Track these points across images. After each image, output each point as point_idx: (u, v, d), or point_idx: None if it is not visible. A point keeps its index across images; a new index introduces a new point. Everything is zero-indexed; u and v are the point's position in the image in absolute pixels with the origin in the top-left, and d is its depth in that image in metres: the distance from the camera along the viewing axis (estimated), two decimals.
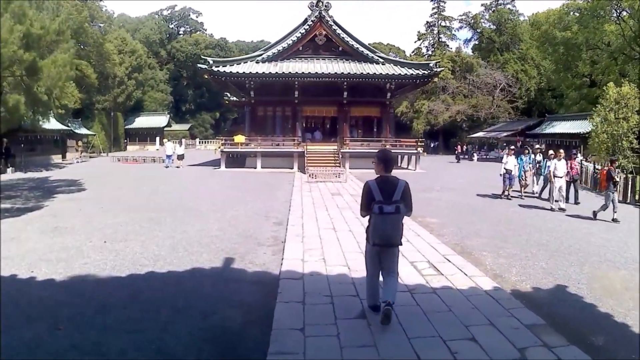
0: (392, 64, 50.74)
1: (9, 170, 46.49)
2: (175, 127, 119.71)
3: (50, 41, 26.71)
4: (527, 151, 30.77)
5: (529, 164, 29.39)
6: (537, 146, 32.80)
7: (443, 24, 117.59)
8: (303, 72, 46.24)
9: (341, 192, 29.82)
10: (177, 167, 52.11)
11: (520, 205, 25.89)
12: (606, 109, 40.70)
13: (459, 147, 78.53)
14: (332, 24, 50.65)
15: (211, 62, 46.74)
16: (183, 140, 67.13)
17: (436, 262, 13.08)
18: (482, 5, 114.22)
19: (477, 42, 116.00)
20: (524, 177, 28.85)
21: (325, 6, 50.51)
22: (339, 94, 49.25)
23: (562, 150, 26.15)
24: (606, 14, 65.96)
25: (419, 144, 50.99)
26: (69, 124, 72.14)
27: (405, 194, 8.63)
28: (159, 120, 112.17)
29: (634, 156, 39.59)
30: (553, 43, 77.02)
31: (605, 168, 23.76)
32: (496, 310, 9.55)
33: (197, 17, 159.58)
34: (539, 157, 31.06)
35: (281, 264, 12.80)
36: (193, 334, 8.44)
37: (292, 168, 47.17)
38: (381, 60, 51.04)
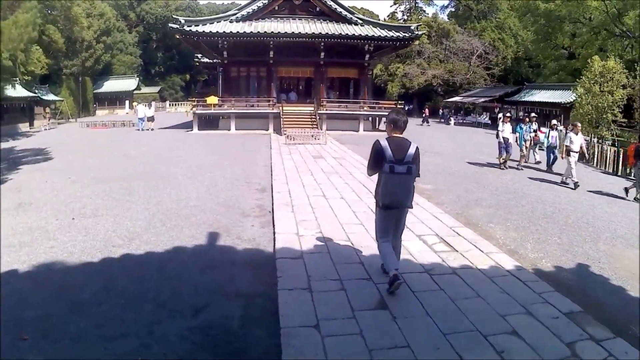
0: (371, 26, 48.84)
1: None
2: (145, 90, 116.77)
3: (11, 1, 24.98)
4: (527, 120, 29.21)
5: (529, 133, 28.02)
6: (534, 114, 31.29)
7: None
8: (279, 32, 44.51)
9: (323, 155, 28.45)
10: (149, 129, 50.40)
11: (515, 174, 24.87)
12: (590, 81, 40.60)
13: (426, 110, 77.78)
14: None
15: (183, 21, 44.69)
16: (153, 102, 64.98)
17: (445, 236, 12.07)
18: None
19: (453, 10, 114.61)
20: (524, 147, 27.57)
21: None
22: (315, 55, 47.65)
23: (578, 124, 24.89)
24: None
25: (398, 106, 48.68)
26: (36, 91, 70.41)
27: (416, 157, 8.47)
28: (128, 83, 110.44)
29: (617, 129, 40.14)
30: (535, 14, 76.21)
31: (634, 143, 22.43)
32: (528, 295, 8.64)
33: None
34: (534, 126, 29.66)
35: (274, 240, 11.53)
36: (185, 337, 7.03)
37: (267, 130, 45.46)
38: (360, 21, 49.10)
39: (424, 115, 74.35)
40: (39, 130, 59.72)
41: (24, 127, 62.95)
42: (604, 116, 38.75)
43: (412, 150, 8.38)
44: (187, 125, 51.11)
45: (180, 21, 44.40)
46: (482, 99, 79.88)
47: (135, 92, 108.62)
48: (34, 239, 12.10)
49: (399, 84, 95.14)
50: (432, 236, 12.03)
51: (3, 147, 38.41)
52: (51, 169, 24.77)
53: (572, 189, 21.05)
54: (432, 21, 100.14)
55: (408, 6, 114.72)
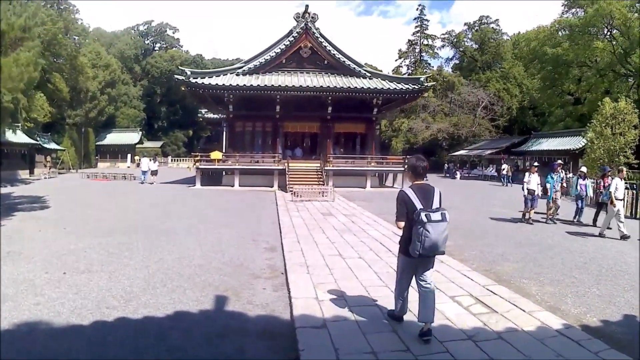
0: (379, 79, 48.37)
1: None
2: (148, 144, 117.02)
3: (14, 38, 23.80)
4: (558, 168, 27.57)
5: (559, 182, 26.56)
6: (559, 161, 29.98)
7: (425, 42, 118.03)
8: (286, 85, 43.59)
9: (332, 212, 26.94)
10: (151, 183, 50.55)
11: (534, 227, 23.67)
12: (601, 124, 40.63)
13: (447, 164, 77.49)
14: (319, 36, 48.16)
15: (189, 72, 43.96)
16: (156, 156, 64.65)
17: (480, 296, 11.17)
18: (465, 24, 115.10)
19: (458, 62, 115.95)
20: (554, 199, 25.76)
21: (312, 17, 48.07)
22: (323, 109, 46.84)
23: (623, 168, 23.59)
24: (598, 31, 67.02)
25: (405, 161, 47.49)
26: (38, 138, 69.92)
27: (441, 201, 8.30)
28: (131, 136, 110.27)
29: (629, 171, 38.67)
30: (542, 60, 77.02)
31: None
32: (585, 356, 7.94)
33: (173, 33, 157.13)
34: (562, 175, 28.20)
35: (291, 305, 10.20)
36: None
37: (272, 186, 44.49)
38: (368, 74, 48.60)
39: (447, 167, 73.71)
40: (39, 179, 58.81)
41: (23, 174, 62.08)
42: (616, 159, 38.29)
43: (437, 195, 8.26)
44: (190, 181, 50.47)
45: (186, 72, 43.65)
46: (489, 151, 79.72)
47: (137, 146, 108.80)
48: (18, 292, 10.97)
49: (404, 139, 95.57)
50: (466, 297, 11.11)
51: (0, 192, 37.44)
52: (46, 218, 23.69)
53: (605, 238, 20.32)
54: (437, 74, 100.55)
55: (413, 60, 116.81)
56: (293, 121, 48.60)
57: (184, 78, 43.16)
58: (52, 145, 77.64)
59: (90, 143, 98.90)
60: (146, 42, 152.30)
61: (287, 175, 42.85)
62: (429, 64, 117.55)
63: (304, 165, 45.94)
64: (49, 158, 70.65)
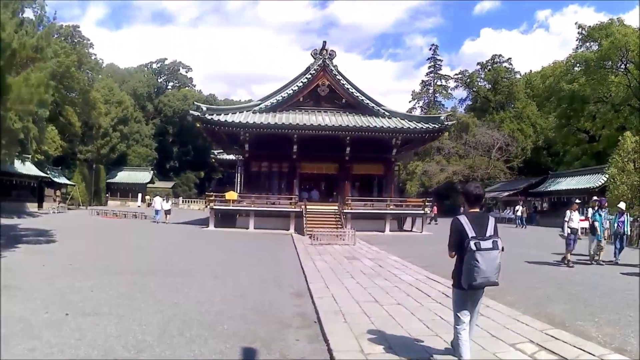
0: (398, 118, 47.01)
1: None
2: (159, 184, 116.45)
3: (25, 58, 22.50)
4: (603, 205, 25.71)
5: (607, 220, 24.98)
6: (595, 198, 28.66)
7: (439, 82, 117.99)
8: (304, 124, 42.70)
9: (356, 256, 25.47)
10: (164, 222, 49.96)
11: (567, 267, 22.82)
12: (623, 159, 40.00)
13: (434, 208, 76.32)
14: (336, 73, 47.07)
15: (204, 108, 42.89)
16: (168, 196, 63.98)
17: (541, 341, 10.15)
18: (477, 63, 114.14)
19: (471, 102, 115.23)
20: (604, 239, 24.36)
21: (330, 54, 47.04)
22: (341, 150, 45.28)
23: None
24: (613, 65, 67.45)
25: (425, 203, 47.15)
26: (48, 172, 69.70)
27: (497, 229, 7.99)
28: (143, 176, 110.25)
29: None
30: (559, 96, 76.50)
31: None
32: None
33: (186, 72, 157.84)
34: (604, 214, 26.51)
35: None
36: None
37: (288, 229, 42.54)
38: (387, 113, 47.26)
39: (432, 213, 73.05)
40: (47, 212, 58.35)
41: (32, 207, 61.39)
42: None
43: (491, 223, 7.93)
44: (202, 222, 49.23)
45: (201, 108, 42.67)
46: (506, 193, 79.95)
47: (149, 185, 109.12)
48: (12, 333, 9.58)
49: (418, 183, 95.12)
50: (527, 344, 10.06)
51: (5, 223, 37.06)
52: (52, 252, 22.57)
53: None
54: (450, 115, 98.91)
55: (427, 101, 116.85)
56: (310, 162, 47.24)
57: (199, 114, 42.06)
58: (63, 180, 77.35)
59: (101, 180, 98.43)
60: (159, 80, 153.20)
61: (304, 218, 41.32)
62: (443, 105, 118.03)
63: (322, 208, 44.55)
64: (58, 192, 70.71)
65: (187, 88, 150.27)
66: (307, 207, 43.03)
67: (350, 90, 47.03)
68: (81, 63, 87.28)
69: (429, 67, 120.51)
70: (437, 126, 44.93)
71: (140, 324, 10.77)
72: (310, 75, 46.53)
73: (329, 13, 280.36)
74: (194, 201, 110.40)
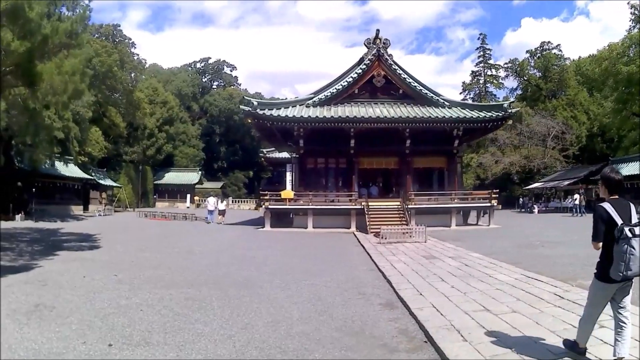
0: (458, 107, 44.63)
1: (18, 217, 43.32)
2: (207, 184, 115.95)
3: (58, 44, 20.10)
4: None
5: None
6: None
7: (489, 72, 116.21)
8: (362, 117, 40.18)
9: (434, 255, 23.02)
10: (219, 223, 48.52)
11: None
12: None
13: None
14: (392, 63, 44.67)
15: (255, 103, 40.83)
16: (224, 196, 63.27)
17: None
18: (527, 51, 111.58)
19: (521, 92, 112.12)
20: None
21: (384, 43, 44.73)
22: (400, 143, 43.12)
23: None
24: None
25: (492, 195, 44.28)
26: (93, 174, 69.55)
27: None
28: (191, 176, 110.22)
29: None
30: (616, 79, 73.02)
31: None
32: None
33: (231, 70, 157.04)
34: None
35: None
36: None
37: (349, 228, 39.97)
38: (447, 103, 44.84)
39: (522, 202, 70.48)
40: (93, 215, 58.05)
41: (77, 209, 61.11)
42: None
43: (634, 209, 7.42)
44: (256, 222, 47.49)
45: (252, 103, 40.62)
46: (566, 182, 76.89)
47: (197, 186, 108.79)
48: None
49: (473, 175, 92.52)
50: None
51: (48, 227, 36.34)
52: (94, 261, 20.17)
53: None
54: (513, 102, 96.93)
55: (478, 91, 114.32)
56: (368, 157, 44.75)
57: (250, 109, 40.02)
58: (108, 182, 77.20)
59: (148, 181, 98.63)
60: (204, 79, 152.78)
61: (366, 216, 38.73)
62: (495, 95, 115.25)
63: (384, 204, 41.72)
64: (104, 195, 70.55)
65: (232, 87, 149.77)
66: (370, 203, 40.49)
67: (407, 80, 44.57)
68: (123, 62, 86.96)
69: (478, 57, 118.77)
70: (500, 114, 42.34)
71: (207, 356, 8.36)
72: (364, 66, 44.21)
73: (369, 9, 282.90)
74: (244, 201, 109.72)
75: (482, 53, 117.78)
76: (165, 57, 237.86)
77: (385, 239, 30.00)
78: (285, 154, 64.02)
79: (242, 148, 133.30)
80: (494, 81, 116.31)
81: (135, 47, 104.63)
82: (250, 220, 53.40)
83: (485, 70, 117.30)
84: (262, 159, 78.25)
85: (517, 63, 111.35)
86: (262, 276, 17.30)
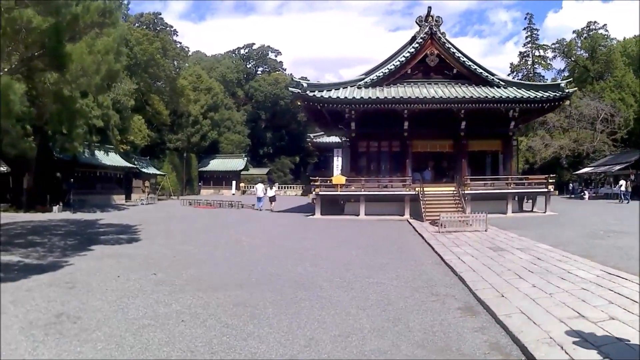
0: (514, 87, 42.25)
1: (55, 208, 42.13)
2: (253, 170, 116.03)
3: (89, 24, 18.37)
4: None
5: None
6: None
7: (537, 53, 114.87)
8: (417, 97, 38.33)
9: (499, 246, 21.23)
10: (268, 209, 48.27)
11: None
12: None
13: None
14: (445, 41, 42.64)
15: (305, 85, 38.97)
16: (272, 182, 62.35)
17: None
18: (573, 31, 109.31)
19: (568, 73, 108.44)
20: None
21: (436, 21, 42.62)
22: (455, 125, 40.96)
23: None
24: None
25: (548, 180, 42.25)
26: (135, 162, 69.05)
27: None
28: (236, 163, 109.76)
29: None
30: None
31: None
32: None
33: (275, 56, 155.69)
34: None
35: None
36: None
37: (402, 215, 38.27)
38: (502, 83, 42.60)
39: (572, 188, 68.37)
40: (135, 204, 57.21)
41: (118, 199, 60.88)
42: None
43: None
44: (304, 209, 46.28)
45: (302, 85, 38.82)
46: (617, 167, 73.23)
47: (242, 172, 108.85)
48: None
49: (523, 159, 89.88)
50: None
51: (86, 218, 35.77)
52: (132, 256, 18.42)
53: None
54: (570, 82, 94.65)
55: (526, 72, 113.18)
56: (422, 139, 42.74)
57: (299, 91, 38.22)
58: (151, 170, 76.81)
59: (192, 169, 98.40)
60: (248, 65, 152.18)
61: (421, 202, 36.97)
62: (543, 76, 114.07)
63: (438, 189, 39.95)
64: (147, 183, 70.18)
65: (277, 72, 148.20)
66: (425, 189, 38.64)
67: (461, 58, 42.54)
68: (165, 50, 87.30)
69: (526, 37, 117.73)
70: (557, 94, 39.93)
71: None
72: (417, 45, 42.19)
73: None
74: (290, 187, 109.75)
75: (529, 33, 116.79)
76: (208, 45, 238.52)
77: (445, 227, 28.16)
78: (332, 139, 63.03)
79: (288, 133, 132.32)
80: (542, 62, 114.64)
81: (177, 35, 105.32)
82: (299, 207, 52.02)
83: (533, 51, 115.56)
84: (309, 143, 76.69)
85: (565, 43, 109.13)
86: (319, 272, 15.58)
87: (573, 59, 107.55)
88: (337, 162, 56.01)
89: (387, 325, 9.71)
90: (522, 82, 49.36)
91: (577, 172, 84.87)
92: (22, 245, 20.27)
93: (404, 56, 42.33)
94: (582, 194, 72.79)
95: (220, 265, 16.77)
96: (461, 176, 40.80)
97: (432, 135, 42.40)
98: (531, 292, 12.25)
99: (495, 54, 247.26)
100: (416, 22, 43.10)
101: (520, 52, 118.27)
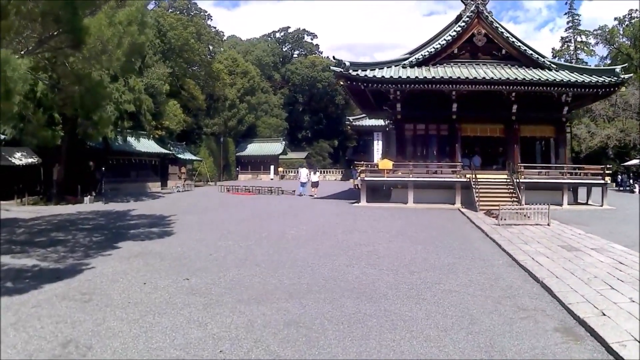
0: (566, 71, 39.93)
1: (86, 199, 40.34)
2: (291, 155, 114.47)
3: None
4: None
5: None
6: None
7: (579, 39, 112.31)
8: (467, 78, 36.14)
9: (570, 244, 19.23)
10: (310, 195, 46.96)
11: None
12: None
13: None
14: (492, 20, 40.65)
15: (347, 63, 36.89)
16: (316, 167, 61.53)
17: None
18: (615, 18, 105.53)
19: (610, 61, 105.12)
20: None
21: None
22: (505, 108, 39.09)
23: None
24: None
25: (605, 171, 39.77)
26: (171, 148, 68.54)
27: None
28: (274, 147, 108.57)
29: None
30: None
31: None
32: None
33: (311, 39, 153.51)
34: None
35: None
36: None
37: (453, 203, 36.52)
38: (554, 66, 40.48)
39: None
40: (171, 192, 55.87)
41: (154, 186, 59.86)
42: None
43: None
44: (347, 196, 44.54)
45: (344, 63, 36.82)
46: None
47: (281, 156, 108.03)
48: None
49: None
50: None
51: (118, 209, 34.10)
52: (162, 256, 16.40)
53: None
54: (625, 67, 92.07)
55: (568, 58, 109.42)
56: (471, 123, 40.56)
57: (342, 70, 36.34)
58: (188, 156, 75.84)
59: (230, 154, 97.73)
60: (284, 49, 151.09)
61: (474, 190, 34.95)
62: (586, 63, 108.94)
63: (490, 177, 37.93)
64: (183, 169, 69.30)
65: (314, 55, 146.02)
66: (478, 176, 36.51)
67: (510, 38, 40.55)
68: (200, 35, 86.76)
69: (567, 22, 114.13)
70: (613, 80, 37.86)
71: None
72: (463, 23, 40.20)
73: None
74: (329, 171, 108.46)
75: (570, 18, 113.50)
76: (243, 30, 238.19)
77: (504, 220, 25.99)
78: (372, 122, 62.13)
79: (326, 117, 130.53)
80: (585, 48, 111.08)
81: (211, 20, 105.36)
82: (341, 192, 50.38)
83: (575, 37, 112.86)
84: (348, 127, 76.97)
85: (607, 30, 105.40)
86: (380, 276, 13.56)
87: (616, 47, 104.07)
88: (378, 146, 54.70)
89: (479, 356, 7.86)
90: (575, 65, 47.20)
91: (624, 164, 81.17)
92: (42, 245, 18.48)
93: (450, 35, 40.43)
94: (633, 187, 69.13)
95: (264, 266, 14.76)
96: (514, 163, 38.71)
97: (482, 119, 40.37)
98: (633, 310, 10.44)
99: (530, 39, 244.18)
100: (461, 0, 41.13)
101: (562, 37, 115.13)
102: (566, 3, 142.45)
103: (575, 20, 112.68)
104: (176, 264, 14.87)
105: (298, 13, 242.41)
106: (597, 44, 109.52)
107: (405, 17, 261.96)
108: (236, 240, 19.90)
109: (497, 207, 27.89)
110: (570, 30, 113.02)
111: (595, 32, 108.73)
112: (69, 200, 39.90)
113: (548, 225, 25.59)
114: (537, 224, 25.83)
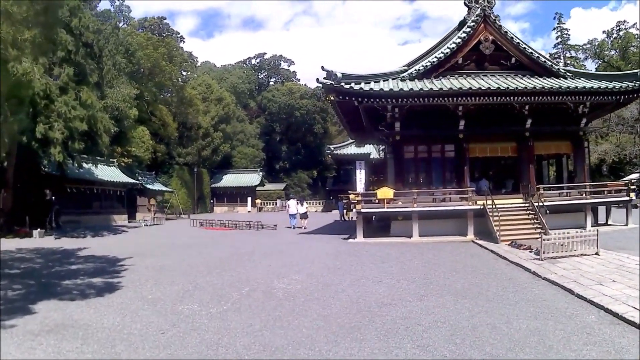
0: (582, 78, 36.04)
1: (36, 233, 35.75)
2: (269, 186, 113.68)
3: None
4: None
5: None
6: None
7: (569, 54, 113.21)
8: (479, 89, 31.70)
9: None
10: (299, 227, 44.66)
11: None
12: None
13: None
14: (501, 25, 36.43)
15: (339, 75, 31.80)
16: (303, 198, 59.57)
17: None
18: (603, 31, 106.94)
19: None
20: None
21: (489, 1, 36.21)
22: (518, 123, 34.91)
23: None
24: None
25: (630, 187, 37.26)
26: (139, 177, 65.14)
27: None
28: (251, 178, 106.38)
29: None
30: None
31: None
32: None
33: (288, 65, 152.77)
34: None
35: None
36: None
37: (465, 235, 31.56)
38: (569, 73, 36.40)
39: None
40: (138, 225, 51.16)
41: (120, 219, 56.04)
42: None
43: None
44: (335, 229, 41.21)
45: (335, 75, 31.58)
46: None
47: (258, 188, 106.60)
48: None
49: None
50: None
51: (65, 247, 29.51)
52: (85, 336, 10.78)
53: None
54: None
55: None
56: (480, 142, 36.11)
57: (332, 83, 31.21)
58: (158, 186, 73.22)
59: (204, 185, 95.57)
60: (260, 76, 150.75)
61: (491, 218, 30.30)
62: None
63: (504, 201, 33.36)
64: (153, 201, 66.81)
65: (291, 82, 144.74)
66: (495, 201, 31.65)
67: (520, 45, 36.28)
68: (171, 57, 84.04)
69: (556, 38, 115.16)
70: (637, 85, 33.48)
71: None
72: (468, 29, 35.65)
73: (417, 7, 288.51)
74: (310, 202, 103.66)
75: (559, 34, 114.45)
76: (217, 57, 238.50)
77: (548, 253, 21.11)
78: (354, 149, 60.73)
79: (304, 146, 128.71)
80: (575, 63, 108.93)
81: (184, 42, 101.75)
82: (328, 226, 46.74)
83: (565, 52, 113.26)
84: (329, 155, 74.31)
85: (596, 44, 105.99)
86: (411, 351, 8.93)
87: (605, 60, 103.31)
88: (360, 175, 51.09)
89: None
90: (591, 72, 43.42)
91: (625, 179, 78.19)
92: None
93: (454, 42, 35.88)
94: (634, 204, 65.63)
95: (250, 348, 9.52)
96: (530, 184, 34.57)
97: (492, 137, 36.12)
98: None
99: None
100: (464, 3, 37.08)
101: (550, 54, 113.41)
102: (554, 18, 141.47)
103: (565, 36, 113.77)
104: (101, 355, 9.37)
105: (273, 42, 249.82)
106: (586, 58, 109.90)
107: (380, 46, 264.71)
108: (205, 301, 13.99)
109: (521, 238, 26.07)
110: (560, 46, 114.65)
111: (584, 47, 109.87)
112: (17, 233, 35.52)
113: (597, 254, 21.76)
114: (582, 254, 21.81)
